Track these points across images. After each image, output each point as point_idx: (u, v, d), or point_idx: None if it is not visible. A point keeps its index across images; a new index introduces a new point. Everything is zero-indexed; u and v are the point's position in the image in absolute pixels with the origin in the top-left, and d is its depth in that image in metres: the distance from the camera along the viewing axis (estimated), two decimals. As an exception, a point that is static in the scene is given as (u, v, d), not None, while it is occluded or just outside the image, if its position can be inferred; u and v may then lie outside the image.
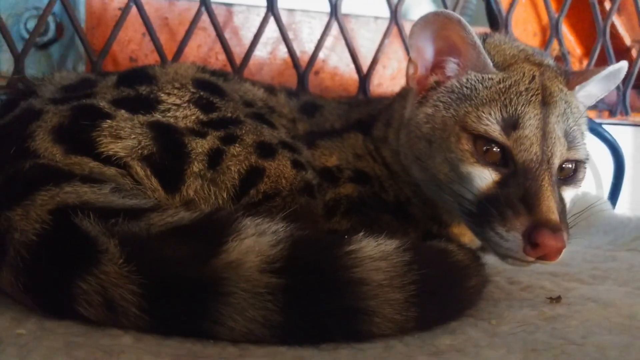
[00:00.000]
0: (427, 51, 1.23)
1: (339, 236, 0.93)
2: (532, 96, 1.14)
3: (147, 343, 0.80)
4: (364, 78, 1.90)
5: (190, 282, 0.84)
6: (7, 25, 1.72)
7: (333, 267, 0.88)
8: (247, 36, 1.90)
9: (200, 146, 1.09)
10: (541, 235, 1.01)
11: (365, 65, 1.93)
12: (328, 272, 0.87)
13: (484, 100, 1.15)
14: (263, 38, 1.90)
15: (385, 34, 1.92)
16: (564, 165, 1.15)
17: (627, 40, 2.25)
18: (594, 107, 2.15)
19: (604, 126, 2.14)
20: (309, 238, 0.91)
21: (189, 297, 0.83)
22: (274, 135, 1.19)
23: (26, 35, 1.70)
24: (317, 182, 1.23)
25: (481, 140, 1.13)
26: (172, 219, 0.89)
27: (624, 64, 1.26)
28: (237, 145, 1.12)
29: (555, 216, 1.03)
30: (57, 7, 1.65)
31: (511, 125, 1.12)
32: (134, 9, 1.68)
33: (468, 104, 1.16)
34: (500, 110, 1.13)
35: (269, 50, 1.97)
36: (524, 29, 2.25)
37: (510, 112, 1.12)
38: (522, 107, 1.13)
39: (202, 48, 1.92)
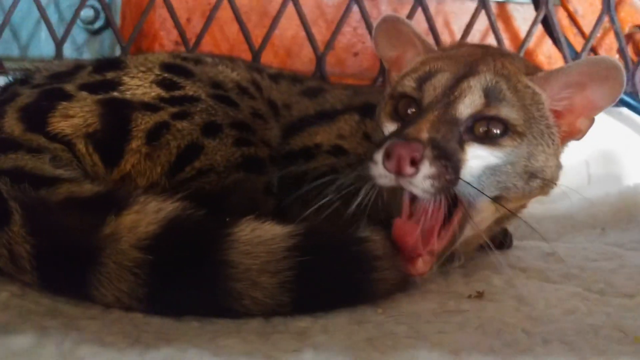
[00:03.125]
0: (393, 55, 1.27)
1: (221, 218, 0.98)
2: (455, 63, 1.16)
3: (25, 299, 0.92)
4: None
5: (72, 249, 0.94)
6: (65, 15, 1.95)
7: (203, 247, 0.94)
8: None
9: (145, 122, 1.16)
10: (393, 144, 0.99)
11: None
12: (196, 252, 0.93)
13: (413, 69, 1.20)
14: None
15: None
16: (490, 124, 1.08)
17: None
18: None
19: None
20: (191, 219, 0.96)
21: (69, 262, 0.94)
22: (230, 115, 1.24)
23: (80, 24, 1.91)
24: (268, 155, 1.27)
25: (403, 100, 1.16)
26: (76, 189, 1.00)
27: (613, 61, 1.11)
28: (184, 121, 1.18)
29: (418, 134, 1.01)
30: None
31: (424, 79, 1.14)
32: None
33: (401, 77, 1.21)
34: (419, 71, 1.16)
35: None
36: (591, 3, 2.08)
37: (427, 70, 1.16)
38: (440, 66, 1.15)
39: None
